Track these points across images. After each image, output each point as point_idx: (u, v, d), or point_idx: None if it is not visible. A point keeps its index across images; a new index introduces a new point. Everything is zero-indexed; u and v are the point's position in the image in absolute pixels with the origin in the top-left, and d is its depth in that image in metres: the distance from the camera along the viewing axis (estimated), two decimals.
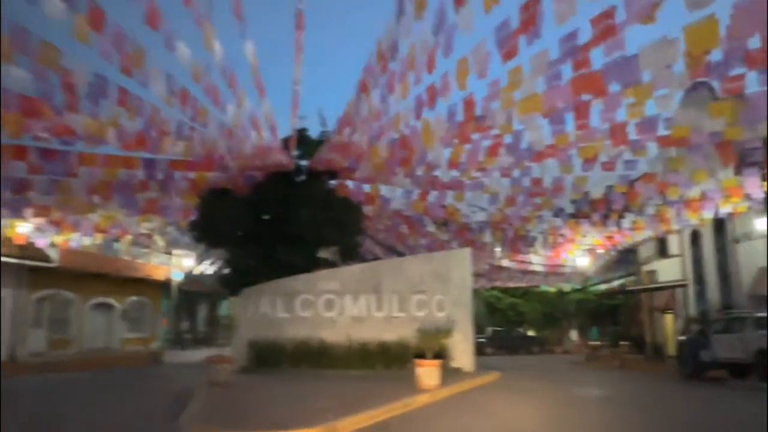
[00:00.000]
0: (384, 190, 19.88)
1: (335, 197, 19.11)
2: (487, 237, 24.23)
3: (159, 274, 31.34)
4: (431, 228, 22.76)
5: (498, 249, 25.48)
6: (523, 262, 28.35)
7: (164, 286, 31.48)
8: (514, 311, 46.29)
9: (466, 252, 19.51)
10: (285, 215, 18.50)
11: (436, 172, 18.41)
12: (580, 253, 27.67)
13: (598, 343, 35.85)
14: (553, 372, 21.28)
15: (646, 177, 16.74)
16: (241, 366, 16.89)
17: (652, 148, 13.87)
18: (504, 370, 19.87)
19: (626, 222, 21.19)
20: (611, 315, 42.69)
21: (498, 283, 39.99)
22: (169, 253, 31.11)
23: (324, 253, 19.01)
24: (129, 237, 25.13)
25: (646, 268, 29.48)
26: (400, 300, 17.75)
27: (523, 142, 13.46)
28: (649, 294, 27.62)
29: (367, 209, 21.82)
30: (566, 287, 45.23)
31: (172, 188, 17.60)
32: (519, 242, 24.93)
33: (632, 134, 12.42)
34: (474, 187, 18.84)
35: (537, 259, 28.06)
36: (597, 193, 17.89)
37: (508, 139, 13.71)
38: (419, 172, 18.40)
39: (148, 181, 16.74)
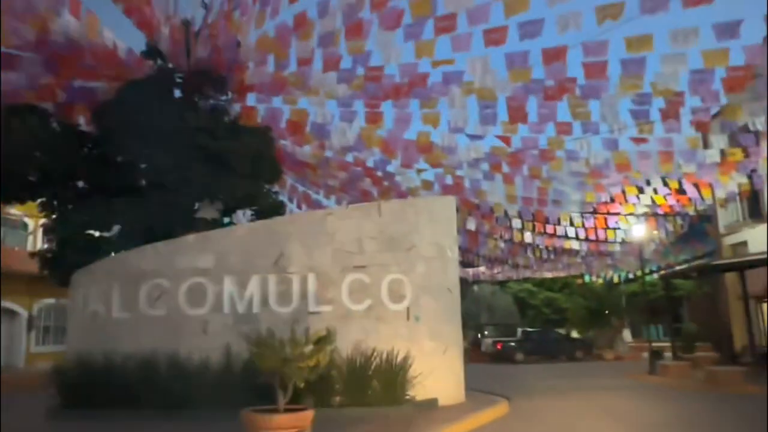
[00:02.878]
0: (312, 112, 12.32)
1: (223, 122, 11.70)
2: (495, 194, 16.43)
3: None
4: (404, 178, 15.06)
5: (514, 215, 17.63)
6: (554, 236, 20.48)
7: None
8: (551, 308, 37.98)
9: (445, 202, 11.79)
10: (143, 154, 11.22)
11: (390, 70, 10.93)
12: (635, 220, 19.53)
13: (660, 345, 27.32)
14: (607, 399, 13.25)
15: None
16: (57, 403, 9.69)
17: None
18: (524, 394, 12.20)
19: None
20: (675, 308, 34.04)
21: (527, 273, 31.83)
22: None
23: (208, 213, 11.57)
24: None
25: (729, 239, 21.06)
26: (323, 283, 10.18)
27: None
28: (739, 275, 19.17)
29: (303, 152, 14.32)
30: (616, 276, 36.66)
31: None
32: (544, 201, 17.03)
33: None
34: (454, 98, 11.20)
35: (574, 233, 20.10)
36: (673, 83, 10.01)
37: None
38: (360, 71, 10.90)
39: None
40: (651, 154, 13.53)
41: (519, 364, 29.15)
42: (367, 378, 9.44)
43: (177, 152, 10.94)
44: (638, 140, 12.68)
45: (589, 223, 19.43)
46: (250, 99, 12.47)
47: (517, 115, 11.67)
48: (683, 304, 33.87)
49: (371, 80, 10.62)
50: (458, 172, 15.16)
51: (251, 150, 11.10)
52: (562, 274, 33.39)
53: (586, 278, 37.76)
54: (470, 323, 37.68)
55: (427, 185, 15.63)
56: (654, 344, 32.09)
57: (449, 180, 15.50)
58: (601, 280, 37.74)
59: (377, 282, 10.30)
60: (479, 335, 35.29)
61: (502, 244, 21.12)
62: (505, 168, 14.78)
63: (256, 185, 11.68)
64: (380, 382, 9.49)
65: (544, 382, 17.56)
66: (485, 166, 14.59)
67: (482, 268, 33.56)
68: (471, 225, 18.59)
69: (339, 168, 14.90)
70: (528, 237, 20.15)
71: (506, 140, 12.64)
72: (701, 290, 31.58)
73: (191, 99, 11.89)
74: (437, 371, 10.32)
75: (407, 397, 9.67)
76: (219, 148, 10.99)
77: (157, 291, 10.05)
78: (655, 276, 33.14)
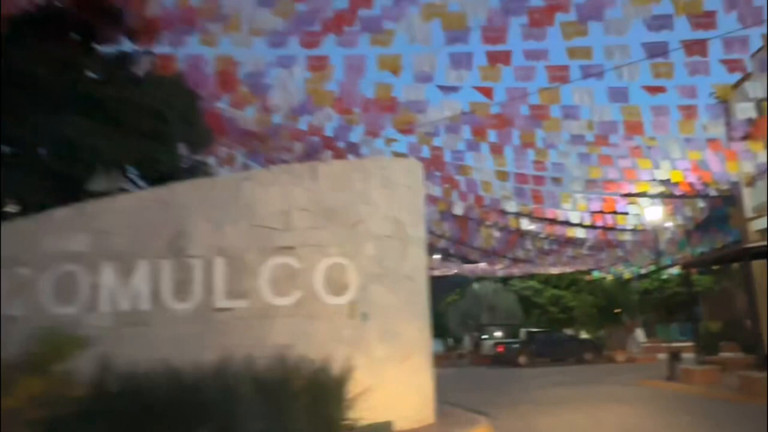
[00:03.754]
0: (240, 58, 9.78)
1: (127, 73, 9.21)
2: (482, 171, 13.87)
3: None
4: (372, 149, 12.48)
5: (506, 194, 14.99)
6: (555, 222, 17.87)
7: None
8: (557, 307, 35.36)
9: (406, 165, 9.22)
10: (22, 112, 8.76)
11: None
12: (648, 202, 16.89)
13: (678, 345, 24.57)
14: (621, 414, 10.63)
15: None
16: None
17: None
18: (519, 406, 9.72)
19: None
20: (692, 305, 31.36)
21: (530, 269, 29.17)
22: None
23: (101, 184, 9.06)
24: None
25: (757, 224, 18.37)
26: (235, 269, 7.63)
27: None
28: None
29: (245, 117, 11.83)
30: (627, 272, 33.94)
31: None
32: (541, 180, 14.45)
33: None
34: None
35: (578, 218, 17.43)
36: None
37: None
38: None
39: None
40: (669, 110, 10.93)
41: (522, 368, 26.60)
42: (290, 398, 6.89)
43: (64, 109, 8.49)
44: (653, 89, 10.06)
45: (596, 206, 16.78)
46: (165, 49, 9.94)
47: (498, 55, 9.11)
48: (700, 301, 31.18)
49: (300, 1, 8.11)
50: (435, 142, 12.59)
51: (155, 102, 8.61)
52: (568, 269, 30.69)
53: (595, 274, 35.10)
54: (470, 324, 35.16)
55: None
56: (668, 345, 29.47)
57: (426, 152, 12.95)
58: (611, 276, 35.06)
59: (310, 268, 7.75)
60: (480, 337, 32.70)
61: (496, 234, 18.53)
62: (492, 136, 12.20)
63: (162, 148, 9.16)
64: (308, 402, 6.94)
65: (546, 390, 14.96)
66: (467, 132, 12.02)
67: (482, 264, 30.94)
68: (458, 209, 16.03)
69: (292, 138, 12.37)
70: (526, 224, 17.56)
71: (486, 92, 10.06)
72: (720, 285, 28.87)
73: (87, 43, 9.41)
74: (394, 385, 7.78)
75: (346, 422, 7.11)
76: (114, 102, 8.51)
77: (14, 283, 7.54)
78: (672, 270, 30.49)
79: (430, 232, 19.89)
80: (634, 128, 11.71)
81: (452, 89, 10.06)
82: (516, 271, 30.42)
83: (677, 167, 14.43)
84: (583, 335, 34.38)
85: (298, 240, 7.81)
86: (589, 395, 13.48)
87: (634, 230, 19.74)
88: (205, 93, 10.46)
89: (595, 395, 13.44)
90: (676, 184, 15.49)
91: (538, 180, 14.59)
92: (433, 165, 13.60)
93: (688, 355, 18.06)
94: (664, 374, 16.07)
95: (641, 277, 34.84)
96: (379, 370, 7.70)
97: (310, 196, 7.99)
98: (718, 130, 12.00)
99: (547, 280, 38.01)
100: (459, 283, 38.16)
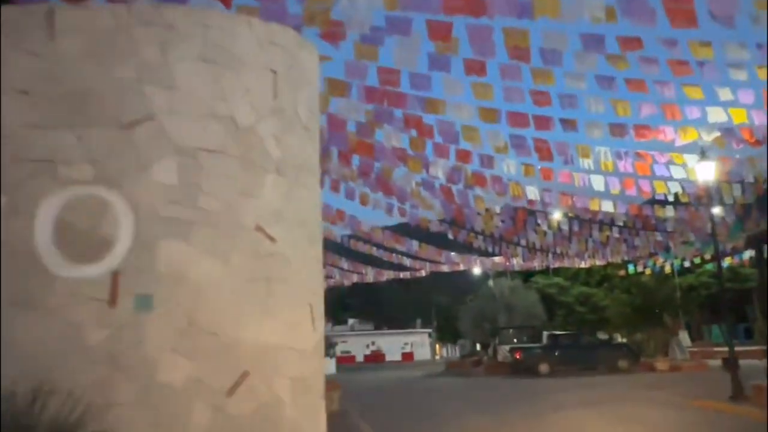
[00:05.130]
0: None
1: None
2: (459, 107, 9.77)
3: None
4: None
5: (499, 146, 10.75)
6: (567, 193, 13.52)
7: None
8: (587, 306, 30.81)
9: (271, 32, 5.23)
10: None
11: None
12: (698, 157, 12.44)
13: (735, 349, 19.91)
14: None
15: None
16: None
17: None
18: None
19: None
20: (743, 303, 26.73)
21: (549, 261, 24.75)
22: None
23: None
24: None
25: None
26: None
27: None
28: None
29: None
30: (667, 265, 29.28)
31: None
32: (545, 122, 10.28)
33: None
34: None
35: (602, 183, 13.01)
36: None
37: None
38: None
39: None
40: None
41: (543, 378, 22.28)
42: None
43: None
44: None
45: (625, 163, 12.45)
46: None
47: None
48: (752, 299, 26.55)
49: None
50: (381, 57, 8.57)
51: None
52: (598, 262, 26.19)
53: (630, 268, 30.53)
54: (485, 326, 30.92)
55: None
56: (717, 348, 24.77)
57: (373, 75, 8.92)
58: (648, 271, 30.43)
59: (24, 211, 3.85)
60: (496, 341, 28.38)
61: (496, 209, 14.24)
62: (466, 48, 8.11)
63: None
64: None
65: (567, 413, 10.78)
66: (424, 39, 7.94)
67: (497, 259, 26.72)
68: (438, 171, 11.89)
69: None
70: (532, 191, 13.28)
71: None
72: None
73: None
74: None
75: None
76: None
77: None
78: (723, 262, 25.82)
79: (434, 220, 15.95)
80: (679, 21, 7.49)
81: None
82: (535, 264, 26.09)
83: (739, 103, 10.13)
84: (617, 339, 29.79)
85: None
86: (631, 424, 9.29)
87: (676, 203, 15.29)
88: None
89: (640, 423, 9.24)
90: (738, 126, 11.11)
91: (541, 122, 10.40)
92: (387, 98, 9.57)
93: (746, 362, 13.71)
94: (723, 389, 11.71)
95: (684, 271, 30.24)
96: (172, 400, 3.76)
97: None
98: None
99: (575, 277, 33.57)
100: (472, 281, 34.04)
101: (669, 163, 12.94)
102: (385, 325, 69.26)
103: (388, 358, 57.50)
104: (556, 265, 27.44)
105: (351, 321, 70.10)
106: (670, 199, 14.91)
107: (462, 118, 10.16)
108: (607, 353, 24.08)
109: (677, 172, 13.19)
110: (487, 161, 11.91)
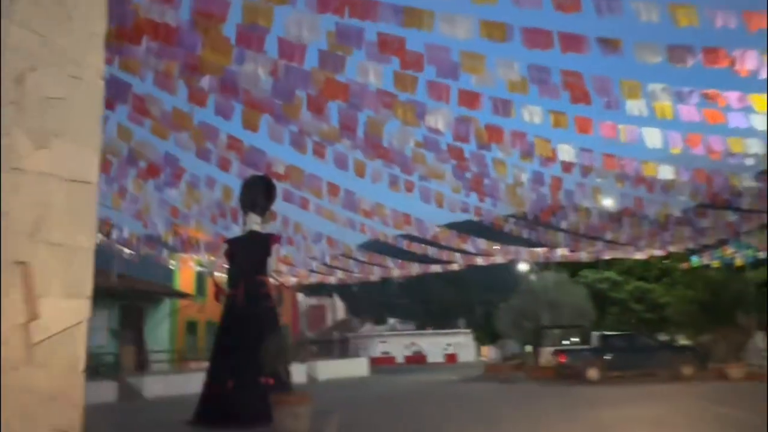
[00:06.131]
0: None
1: None
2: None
3: None
4: None
5: (515, 80, 7.93)
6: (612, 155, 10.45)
7: None
8: (644, 303, 27.21)
9: None
10: None
11: None
12: None
13: None
14: None
15: None
16: None
17: None
18: None
19: None
20: None
21: (601, 252, 21.43)
22: None
23: None
24: None
25: None
26: None
27: None
28: None
29: None
30: (739, 256, 25.36)
31: None
32: (575, 40, 7.40)
33: None
34: None
35: (658, 138, 9.82)
36: None
37: None
38: None
39: None
40: None
41: (591, 385, 19.16)
42: None
43: None
44: None
45: (689, 112, 9.35)
46: None
47: None
48: None
49: None
50: None
51: None
52: (656, 251, 22.67)
53: (693, 260, 26.78)
54: (526, 325, 27.71)
55: None
56: None
57: None
58: (716, 263, 26.56)
59: None
60: (538, 342, 25.17)
61: (523, 176, 11.23)
62: None
63: None
64: None
65: None
66: None
67: (541, 249, 23.57)
68: (438, 123, 9.10)
69: None
70: (566, 151, 10.23)
71: None
72: None
73: None
74: None
75: None
76: None
77: None
78: None
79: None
80: None
81: None
82: (582, 254, 22.83)
83: None
84: (680, 341, 26.13)
85: None
86: None
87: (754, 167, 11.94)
88: None
89: None
90: None
91: (570, 42, 7.51)
92: (350, 7, 6.91)
93: None
94: None
95: (757, 264, 26.32)
96: None
97: None
98: None
99: (630, 271, 29.93)
100: (518, 277, 30.90)
101: (747, 110, 9.74)
102: (430, 325, 66.51)
103: (429, 359, 54.68)
104: (607, 256, 23.96)
105: (391, 320, 67.53)
106: (749, 163, 11.58)
107: (458, 37, 7.37)
108: (668, 357, 20.65)
109: (760, 123, 9.97)
110: (503, 107, 9.06)
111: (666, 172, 11.35)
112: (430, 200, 13.46)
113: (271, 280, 11.93)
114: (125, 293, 24.58)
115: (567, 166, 11.15)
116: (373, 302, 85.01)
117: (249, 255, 11.37)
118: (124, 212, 14.32)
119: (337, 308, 59.56)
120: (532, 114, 9.20)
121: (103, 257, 24.00)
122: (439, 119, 9.18)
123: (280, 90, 8.65)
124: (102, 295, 23.92)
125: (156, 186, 12.39)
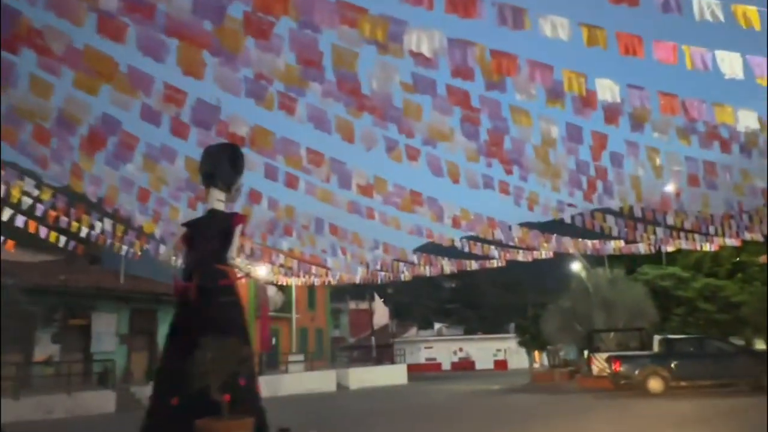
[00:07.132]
0: None
1: None
2: None
3: None
4: None
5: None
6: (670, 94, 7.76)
7: None
8: (715, 303, 23.84)
9: None
10: None
11: None
12: None
13: None
14: None
15: None
16: None
17: None
18: None
19: None
20: None
21: (653, 241, 18.22)
22: None
23: None
24: None
25: None
26: None
27: None
28: None
29: None
30: None
31: None
32: None
33: None
34: None
35: (738, 62, 7.10)
36: None
37: None
38: None
39: None
40: None
41: (654, 398, 16.22)
42: None
43: None
44: None
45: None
46: None
47: None
48: None
49: None
50: None
51: None
52: (729, 240, 19.29)
53: None
54: (576, 328, 24.54)
55: None
56: None
57: None
58: None
59: None
60: (591, 347, 22.06)
61: (553, 130, 8.52)
62: None
63: None
64: None
65: None
66: None
67: (593, 242, 20.63)
68: (423, 47, 6.60)
69: None
70: (608, 88, 7.50)
71: None
72: None
73: None
74: None
75: None
76: None
77: None
78: None
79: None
80: None
81: None
82: (640, 246, 19.72)
83: None
84: (758, 345, 22.63)
85: None
86: None
87: None
88: None
89: None
90: None
91: None
92: None
93: None
94: None
95: None
96: None
97: None
98: None
99: (697, 266, 26.45)
100: (567, 276, 27.78)
101: None
102: (480, 330, 63.44)
103: (478, 366, 51.73)
104: (669, 248, 20.70)
105: (438, 325, 64.73)
106: None
107: None
108: (745, 365, 17.41)
109: None
110: (513, 16, 6.46)
111: (748, 119, 8.35)
112: (442, 173, 10.81)
113: (237, 271, 9.43)
114: (136, 295, 23.01)
115: (611, 115, 8.40)
116: (420, 306, 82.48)
117: (207, 240, 9.00)
118: (91, 197, 12.35)
119: (380, 312, 57.29)
120: (555, 26, 6.56)
121: (111, 256, 22.59)
122: (424, 39, 6.68)
123: (202, 4, 6.36)
124: (109, 297, 22.39)
125: (107, 161, 10.33)
